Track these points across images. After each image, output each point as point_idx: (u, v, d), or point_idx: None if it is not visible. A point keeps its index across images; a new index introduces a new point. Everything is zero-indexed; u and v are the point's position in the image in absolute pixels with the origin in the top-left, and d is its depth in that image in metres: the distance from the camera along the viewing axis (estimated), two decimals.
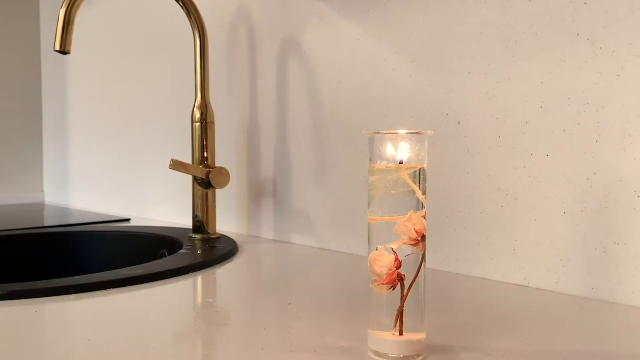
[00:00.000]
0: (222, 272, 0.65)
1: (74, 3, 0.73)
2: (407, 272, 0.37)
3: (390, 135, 0.39)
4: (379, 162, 0.40)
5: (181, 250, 0.75)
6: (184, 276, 0.62)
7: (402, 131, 0.39)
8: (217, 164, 0.87)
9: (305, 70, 0.83)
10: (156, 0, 1.17)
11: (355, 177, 0.75)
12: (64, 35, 0.73)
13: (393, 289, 0.37)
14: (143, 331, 0.42)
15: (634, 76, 0.51)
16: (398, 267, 0.37)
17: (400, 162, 0.39)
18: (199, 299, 0.55)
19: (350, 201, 0.76)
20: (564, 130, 0.55)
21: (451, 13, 0.64)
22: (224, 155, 0.96)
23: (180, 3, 0.86)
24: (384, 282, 0.37)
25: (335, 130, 0.79)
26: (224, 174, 0.85)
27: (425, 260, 0.38)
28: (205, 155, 0.86)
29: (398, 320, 0.37)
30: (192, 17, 0.86)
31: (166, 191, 1.15)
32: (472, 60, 0.62)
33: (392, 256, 0.37)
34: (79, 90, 1.50)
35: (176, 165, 0.80)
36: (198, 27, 0.87)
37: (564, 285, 0.55)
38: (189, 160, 0.87)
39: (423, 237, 0.37)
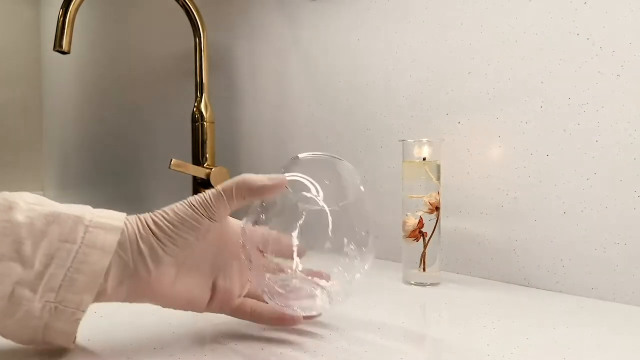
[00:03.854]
0: None
1: (73, 3, 0.73)
2: (428, 230, 0.57)
3: (416, 141, 0.58)
4: (409, 159, 0.59)
5: None
6: None
7: (424, 139, 0.60)
8: (217, 164, 0.87)
9: (305, 70, 0.83)
10: (156, 0, 1.17)
11: None
12: (64, 35, 0.73)
13: (417, 241, 0.57)
14: (143, 331, 0.42)
15: (634, 76, 0.51)
16: (421, 227, 0.57)
17: (424, 159, 0.58)
18: None
19: None
20: (564, 130, 0.55)
21: (451, 13, 0.64)
22: (224, 155, 0.96)
23: (180, 3, 0.86)
24: (411, 236, 0.57)
25: (335, 130, 0.79)
26: (224, 174, 0.85)
27: (439, 223, 0.58)
28: (205, 155, 0.86)
29: (422, 261, 0.57)
30: (192, 17, 0.86)
31: (166, 191, 1.15)
32: (472, 60, 0.62)
33: (417, 220, 0.57)
34: (80, 91, 1.50)
35: (176, 165, 0.80)
36: (198, 27, 0.87)
37: (563, 285, 0.55)
38: (189, 160, 0.87)
39: (437, 208, 0.57)
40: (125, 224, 0.36)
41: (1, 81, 1.60)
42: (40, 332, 0.34)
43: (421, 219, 0.57)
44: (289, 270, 0.38)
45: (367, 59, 0.74)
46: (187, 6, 0.86)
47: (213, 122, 0.88)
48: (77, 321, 0.35)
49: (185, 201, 0.37)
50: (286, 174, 0.39)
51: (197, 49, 0.87)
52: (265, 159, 0.91)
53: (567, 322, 0.45)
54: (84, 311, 0.34)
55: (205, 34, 0.87)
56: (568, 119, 0.55)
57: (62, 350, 0.38)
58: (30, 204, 0.34)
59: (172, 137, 1.13)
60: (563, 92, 0.55)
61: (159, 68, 1.18)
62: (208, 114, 0.87)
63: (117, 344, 0.40)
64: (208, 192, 0.38)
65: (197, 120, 0.87)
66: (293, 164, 0.40)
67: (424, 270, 0.57)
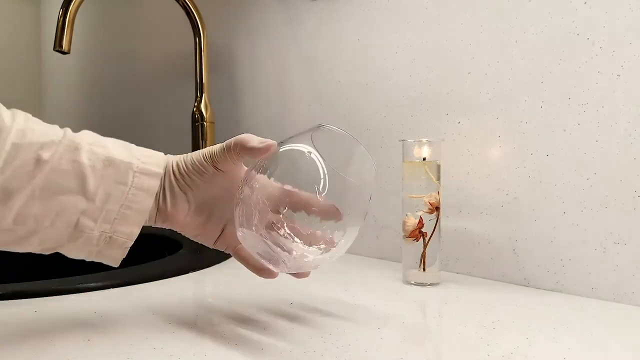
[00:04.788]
0: (222, 272, 0.65)
1: (74, 3, 0.73)
2: (428, 230, 0.57)
3: (416, 141, 0.59)
4: (409, 159, 0.59)
5: (181, 251, 0.75)
6: (184, 276, 0.62)
7: (424, 139, 0.59)
8: None
9: (306, 70, 0.83)
10: (156, 0, 1.17)
11: None
12: (64, 35, 0.73)
13: (417, 241, 0.57)
14: (143, 331, 0.42)
15: (634, 76, 0.51)
16: (421, 227, 0.57)
17: (424, 159, 0.58)
18: (199, 299, 0.55)
19: None
20: (564, 130, 0.55)
21: (451, 13, 0.64)
22: None
23: (180, 3, 0.86)
24: (411, 236, 0.57)
25: None
26: None
27: (439, 223, 0.58)
28: None
29: (422, 261, 0.57)
30: (192, 17, 0.86)
31: None
32: (472, 60, 0.62)
33: (417, 220, 0.57)
34: (80, 91, 1.50)
35: None
36: (198, 27, 0.87)
37: (563, 285, 0.55)
38: None
39: (437, 208, 0.57)
40: None
41: (1, 81, 1.60)
42: (93, 255, 0.41)
43: (421, 219, 0.57)
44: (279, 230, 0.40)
45: (367, 59, 0.74)
46: (187, 6, 0.86)
47: (213, 122, 0.88)
48: (126, 249, 0.42)
49: (202, 150, 0.44)
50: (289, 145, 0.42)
51: (197, 49, 0.87)
52: None
53: (567, 322, 0.45)
54: (132, 240, 0.41)
55: (205, 34, 0.87)
56: (568, 119, 0.55)
57: (63, 350, 0.38)
58: (90, 145, 0.40)
59: (172, 137, 1.13)
60: (563, 92, 0.55)
61: (159, 68, 1.18)
62: (208, 114, 0.87)
63: (117, 344, 0.40)
64: (217, 145, 0.44)
65: (197, 120, 0.87)
66: (316, 130, 0.42)
67: (424, 270, 0.57)
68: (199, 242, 0.46)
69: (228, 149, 0.42)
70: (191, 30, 0.87)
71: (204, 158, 0.43)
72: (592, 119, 0.53)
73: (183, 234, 0.46)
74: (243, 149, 0.42)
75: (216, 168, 0.43)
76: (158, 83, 1.18)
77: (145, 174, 0.42)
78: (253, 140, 0.42)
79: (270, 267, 0.42)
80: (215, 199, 0.45)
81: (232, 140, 0.42)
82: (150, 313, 0.48)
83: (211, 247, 0.47)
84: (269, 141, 0.42)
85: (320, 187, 0.39)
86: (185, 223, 0.44)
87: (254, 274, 0.45)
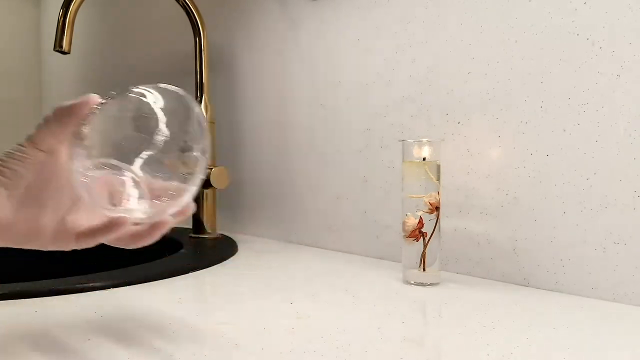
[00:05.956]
0: (222, 272, 0.65)
1: (74, 3, 0.73)
2: (428, 230, 0.57)
3: (416, 141, 0.59)
4: (409, 159, 0.59)
5: (181, 250, 0.75)
6: (184, 276, 0.62)
7: (424, 139, 0.60)
8: (217, 164, 0.87)
9: (306, 70, 0.83)
10: (156, 0, 1.17)
11: (355, 177, 0.75)
12: (64, 35, 0.73)
13: (417, 241, 0.57)
14: (143, 331, 0.43)
15: (634, 76, 0.51)
16: (420, 227, 0.57)
17: (424, 159, 0.58)
18: (200, 299, 0.55)
19: (351, 201, 0.76)
20: (564, 130, 0.55)
21: (451, 13, 0.64)
22: (224, 155, 0.96)
23: (180, 3, 0.86)
24: (411, 236, 0.58)
25: (335, 131, 0.79)
26: (224, 173, 0.85)
27: (439, 223, 0.58)
28: None
29: (422, 261, 0.57)
30: (192, 17, 0.86)
31: None
32: (472, 60, 0.62)
33: (417, 220, 0.57)
34: (80, 91, 1.50)
35: None
36: (198, 27, 0.87)
37: (563, 285, 0.55)
38: None
39: (437, 208, 0.57)
40: None
41: (1, 81, 1.60)
42: None
43: (421, 219, 0.57)
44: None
45: (367, 59, 0.74)
46: (187, 6, 0.86)
47: (213, 122, 0.88)
48: None
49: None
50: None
51: (197, 49, 0.87)
52: (266, 159, 0.91)
53: (567, 322, 0.45)
54: None
55: (205, 34, 0.87)
56: (568, 119, 0.55)
57: (63, 350, 0.38)
58: None
59: None
60: (563, 92, 0.55)
61: (159, 68, 1.18)
62: (208, 114, 0.87)
63: (117, 344, 0.40)
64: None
65: None
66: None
67: (424, 270, 0.57)
68: (34, 248, 0.39)
69: (48, 121, 0.38)
70: (191, 30, 0.87)
71: (21, 144, 0.38)
72: (592, 119, 0.53)
73: (8, 242, 0.38)
74: (62, 111, 0.38)
75: (37, 148, 0.37)
76: (158, 83, 1.18)
77: None
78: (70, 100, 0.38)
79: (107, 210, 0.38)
80: (42, 187, 0.38)
81: (50, 111, 0.38)
82: (151, 313, 0.48)
83: (49, 249, 0.40)
84: (88, 95, 0.38)
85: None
86: (8, 222, 0.37)
87: (253, 275, 0.45)
